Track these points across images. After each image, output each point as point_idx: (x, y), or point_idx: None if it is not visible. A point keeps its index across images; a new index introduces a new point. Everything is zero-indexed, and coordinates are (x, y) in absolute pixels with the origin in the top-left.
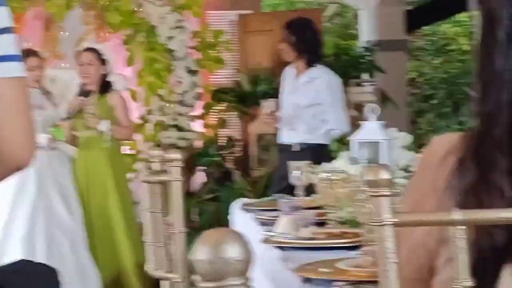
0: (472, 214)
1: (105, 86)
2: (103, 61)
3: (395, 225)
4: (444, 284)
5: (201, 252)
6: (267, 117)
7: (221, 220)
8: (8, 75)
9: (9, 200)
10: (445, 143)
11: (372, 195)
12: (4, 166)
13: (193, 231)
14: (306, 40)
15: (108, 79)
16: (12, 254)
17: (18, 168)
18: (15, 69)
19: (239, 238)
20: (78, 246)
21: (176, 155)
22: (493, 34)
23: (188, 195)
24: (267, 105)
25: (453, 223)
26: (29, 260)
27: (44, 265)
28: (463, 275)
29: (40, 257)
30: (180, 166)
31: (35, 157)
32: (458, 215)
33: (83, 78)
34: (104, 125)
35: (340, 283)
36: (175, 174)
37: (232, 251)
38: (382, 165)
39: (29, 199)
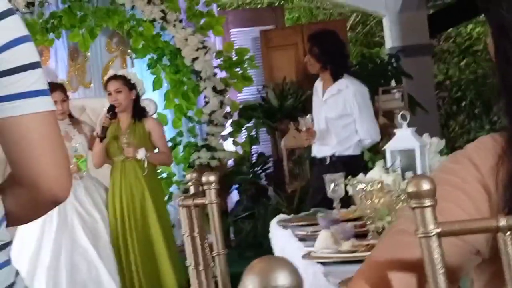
0: None
1: (138, 112)
2: (131, 87)
3: (441, 235)
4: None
5: (249, 282)
6: (305, 134)
7: (258, 238)
8: (38, 110)
9: (35, 231)
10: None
11: (415, 207)
12: (42, 201)
13: (231, 250)
14: (330, 51)
15: (140, 104)
16: (38, 283)
17: (55, 203)
18: (44, 103)
19: (287, 265)
20: (102, 275)
21: (211, 177)
22: (509, 41)
23: (225, 214)
24: (303, 121)
25: (499, 229)
26: None
27: None
28: None
29: (63, 286)
30: (215, 189)
31: (70, 190)
32: (503, 221)
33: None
34: (141, 154)
35: None
36: (211, 196)
37: (281, 279)
38: (423, 176)
39: (52, 230)
